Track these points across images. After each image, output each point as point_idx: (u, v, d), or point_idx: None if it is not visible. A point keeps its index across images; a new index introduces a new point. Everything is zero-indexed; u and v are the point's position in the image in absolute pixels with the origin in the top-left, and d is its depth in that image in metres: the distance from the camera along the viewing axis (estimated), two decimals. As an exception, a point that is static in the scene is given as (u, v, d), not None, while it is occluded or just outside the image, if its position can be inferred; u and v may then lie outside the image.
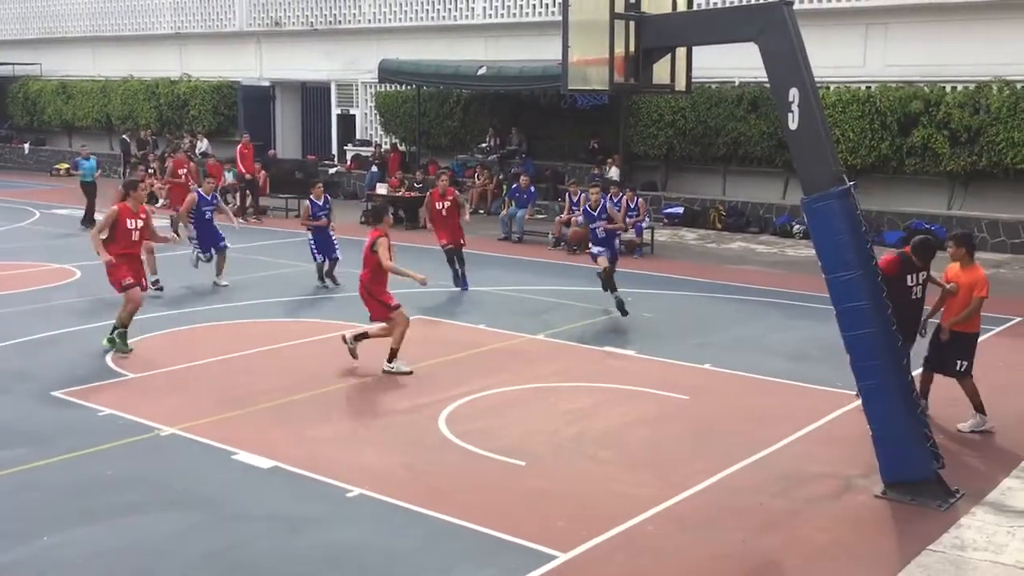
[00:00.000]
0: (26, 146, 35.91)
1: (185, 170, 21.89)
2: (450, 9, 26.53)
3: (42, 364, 10.44)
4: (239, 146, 24.29)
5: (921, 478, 7.11)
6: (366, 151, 27.57)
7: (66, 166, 33.73)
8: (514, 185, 21.05)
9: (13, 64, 35.91)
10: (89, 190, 21.38)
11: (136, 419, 8.64)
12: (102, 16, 34.40)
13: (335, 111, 29.81)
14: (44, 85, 35.42)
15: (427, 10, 26.96)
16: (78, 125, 34.50)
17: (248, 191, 23.39)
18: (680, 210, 21.96)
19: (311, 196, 15.22)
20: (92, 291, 14.14)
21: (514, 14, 25.32)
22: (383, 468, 7.69)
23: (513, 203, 20.48)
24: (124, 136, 30.95)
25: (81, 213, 21.51)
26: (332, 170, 27.83)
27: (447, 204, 14.57)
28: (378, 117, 28.17)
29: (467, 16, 26.20)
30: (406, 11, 27.34)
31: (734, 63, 18.47)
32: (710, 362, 10.80)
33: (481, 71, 23.03)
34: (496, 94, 24.55)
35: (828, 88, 19.95)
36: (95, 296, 13.79)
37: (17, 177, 32.88)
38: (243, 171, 23.52)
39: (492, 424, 8.75)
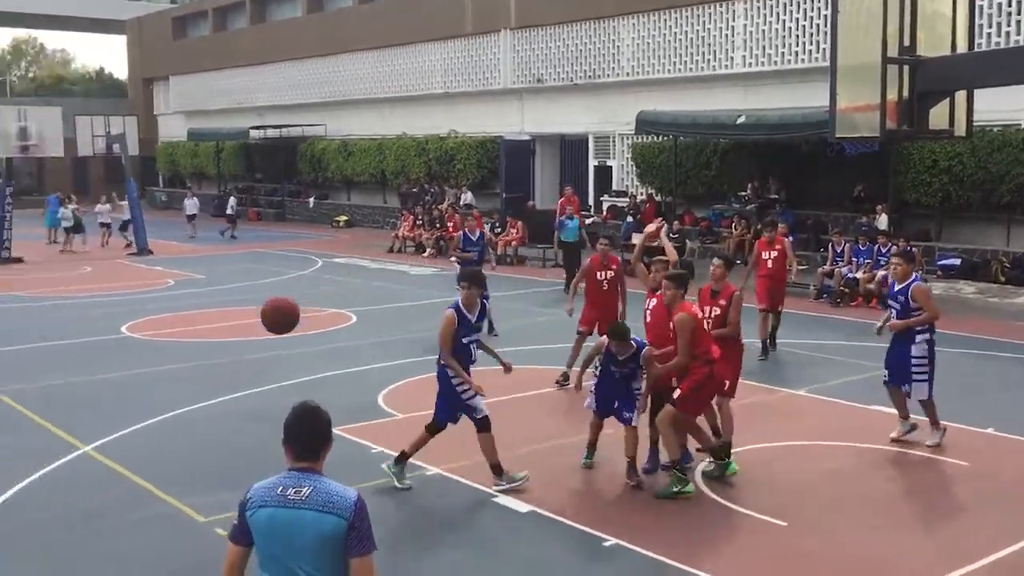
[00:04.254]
0: (311, 200, 39.29)
1: (452, 223, 23.04)
2: (708, 59, 26.41)
3: (320, 401, 11.16)
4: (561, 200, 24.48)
5: None
6: (622, 202, 27.83)
7: (345, 218, 36.50)
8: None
9: (303, 125, 39.53)
10: (573, 251, 19.65)
11: (404, 457, 9.07)
12: (381, 79, 37.07)
13: (592, 163, 30.38)
14: (328, 144, 38.58)
15: (685, 62, 26.99)
16: (356, 180, 37.27)
17: None
18: (957, 261, 20.50)
19: (465, 229, 15.69)
20: (366, 335, 15.13)
21: (775, 61, 24.83)
22: (640, 520, 7.64)
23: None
24: (404, 188, 32.82)
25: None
26: (589, 220, 28.28)
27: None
28: (634, 168, 28.41)
29: (726, 66, 25.98)
30: (664, 63, 27.50)
31: (1020, 104, 17.14)
32: (993, 426, 9.96)
33: (740, 120, 22.69)
34: (755, 143, 24.11)
35: None
36: (371, 340, 14.74)
37: (303, 228, 35.92)
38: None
39: (751, 481, 8.48)
